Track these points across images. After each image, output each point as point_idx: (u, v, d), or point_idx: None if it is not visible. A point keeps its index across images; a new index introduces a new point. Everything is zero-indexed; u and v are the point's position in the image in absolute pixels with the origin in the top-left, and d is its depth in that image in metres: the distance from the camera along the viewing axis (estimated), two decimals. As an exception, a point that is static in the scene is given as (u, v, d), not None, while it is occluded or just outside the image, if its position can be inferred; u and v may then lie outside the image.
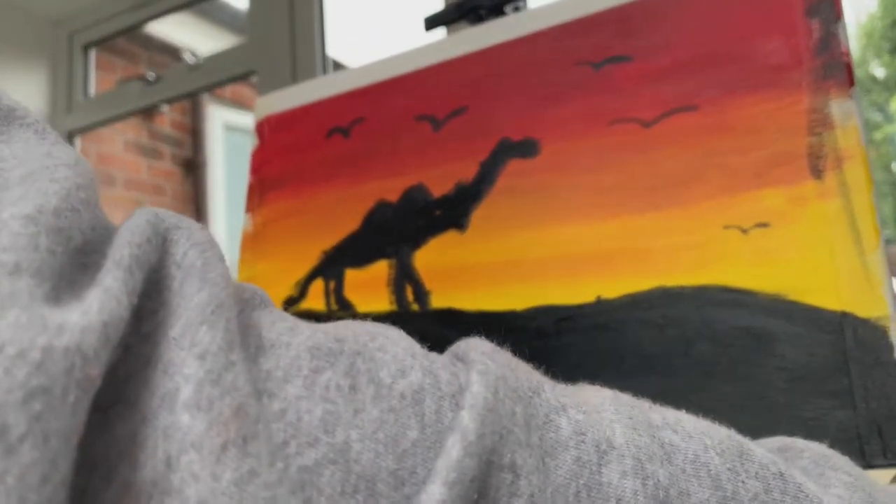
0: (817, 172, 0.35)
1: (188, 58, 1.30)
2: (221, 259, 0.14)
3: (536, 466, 0.14)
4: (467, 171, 0.46)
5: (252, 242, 0.55)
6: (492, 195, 0.45)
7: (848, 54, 0.36)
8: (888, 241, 0.35)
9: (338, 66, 1.44)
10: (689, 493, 0.15)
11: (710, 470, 0.15)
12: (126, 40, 1.95)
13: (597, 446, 0.15)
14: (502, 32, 0.48)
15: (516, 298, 0.42)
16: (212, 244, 0.14)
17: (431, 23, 0.55)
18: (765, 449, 0.17)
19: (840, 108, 0.36)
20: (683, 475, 0.15)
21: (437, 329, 0.44)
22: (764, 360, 0.34)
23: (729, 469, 0.15)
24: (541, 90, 0.45)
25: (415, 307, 0.46)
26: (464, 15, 0.53)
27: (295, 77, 1.11)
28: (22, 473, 0.09)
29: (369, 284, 0.48)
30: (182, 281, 0.13)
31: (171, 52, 2.06)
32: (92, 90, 1.49)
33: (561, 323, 0.40)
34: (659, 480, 0.14)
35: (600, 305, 0.39)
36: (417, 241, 0.47)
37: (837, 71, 0.36)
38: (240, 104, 2.24)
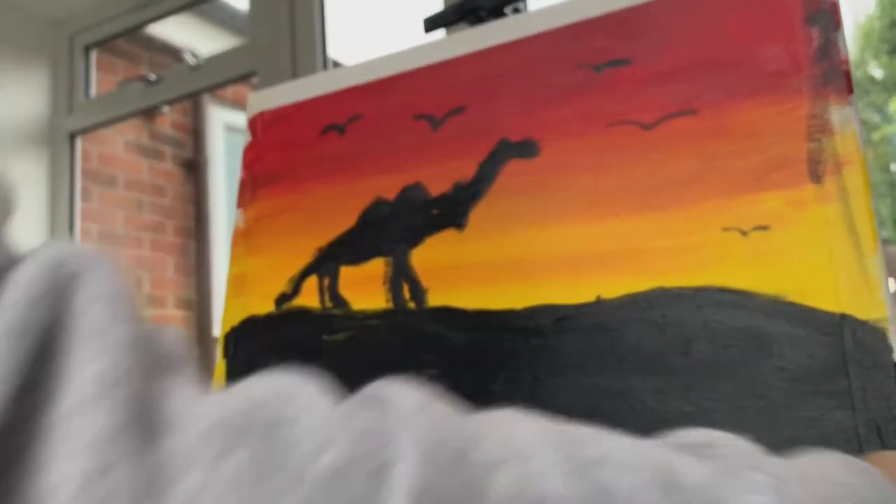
0: (817, 177, 0.36)
1: (189, 59, 1.30)
2: (128, 313, 0.13)
3: None
4: (466, 171, 0.47)
5: (244, 238, 0.55)
6: (491, 194, 0.45)
7: (847, 62, 0.36)
8: (886, 242, 0.35)
9: (338, 66, 1.44)
10: None
11: None
12: (127, 41, 1.96)
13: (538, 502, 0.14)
14: (502, 33, 0.48)
15: (515, 297, 0.42)
16: (118, 295, 0.13)
17: (431, 24, 0.55)
18: (687, 454, 0.17)
19: (839, 114, 0.36)
20: None
21: (433, 327, 0.44)
22: (763, 360, 0.35)
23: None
24: (541, 91, 0.45)
25: (411, 305, 0.46)
26: (463, 16, 0.53)
27: (295, 78, 1.11)
28: None
29: (365, 282, 0.48)
30: (75, 348, 0.11)
31: (171, 53, 2.06)
32: (93, 91, 1.49)
33: (560, 322, 0.40)
34: None
35: (600, 305, 0.39)
36: (415, 239, 0.47)
37: (836, 78, 0.36)
38: (240, 105, 2.25)
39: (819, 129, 0.36)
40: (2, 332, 0.11)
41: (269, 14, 1.19)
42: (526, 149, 0.45)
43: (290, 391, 0.14)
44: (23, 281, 0.12)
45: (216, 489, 0.11)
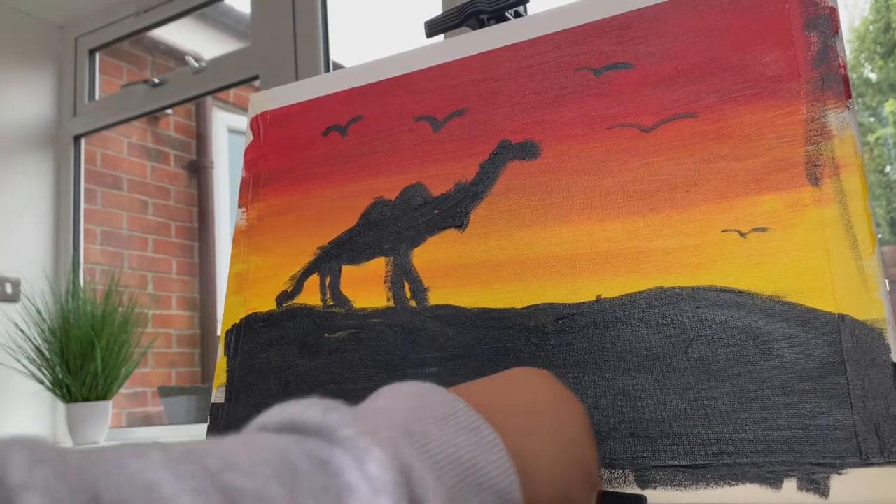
0: (815, 180, 0.36)
1: (192, 62, 1.31)
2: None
3: None
4: (467, 172, 0.47)
5: (245, 236, 0.56)
6: (492, 195, 0.46)
7: (845, 67, 0.37)
8: (882, 243, 0.36)
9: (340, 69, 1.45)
10: None
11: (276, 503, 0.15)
12: (131, 45, 1.97)
13: None
14: (503, 37, 0.49)
15: (516, 297, 0.42)
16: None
17: (432, 28, 0.56)
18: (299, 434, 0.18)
19: (837, 118, 0.36)
20: None
21: (434, 326, 0.45)
22: (761, 359, 0.35)
23: (289, 497, 0.16)
24: (541, 94, 0.46)
25: (412, 304, 0.46)
26: (465, 20, 0.53)
27: (298, 81, 1.12)
28: None
29: (367, 280, 0.49)
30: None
31: (175, 56, 2.07)
32: (97, 94, 1.50)
33: (561, 322, 0.41)
34: None
35: (600, 305, 0.40)
36: (416, 239, 0.48)
37: (835, 83, 0.37)
38: (243, 108, 2.26)
39: (817, 133, 0.37)
40: None
41: (272, 18, 1.19)
42: (527, 150, 0.45)
43: (231, 459, 0.15)
44: None
45: None
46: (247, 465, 0.16)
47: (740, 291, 0.36)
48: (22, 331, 1.23)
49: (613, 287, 0.39)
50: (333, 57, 1.15)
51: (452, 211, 0.47)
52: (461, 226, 0.46)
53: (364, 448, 0.18)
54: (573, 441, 0.28)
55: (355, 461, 0.17)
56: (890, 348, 0.32)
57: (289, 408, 0.20)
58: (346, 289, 0.50)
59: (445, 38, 0.68)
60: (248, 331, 0.52)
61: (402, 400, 0.24)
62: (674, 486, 0.35)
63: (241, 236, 0.56)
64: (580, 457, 0.29)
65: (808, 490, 0.32)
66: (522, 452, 0.25)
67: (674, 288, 0.38)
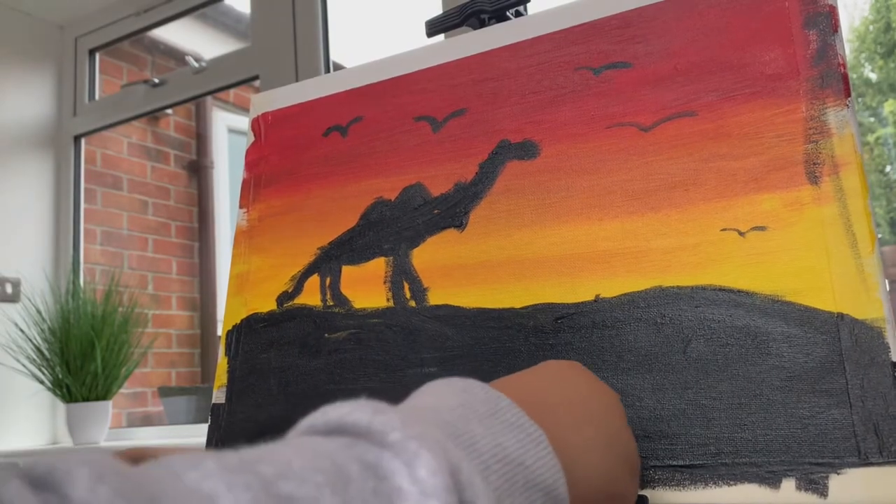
0: (814, 179, 0.36)
1: (192, 62, 1.31)
2: None
3: None
4: (466, 172, 0.47)
5: (246, 237, 0.56)
6: (491, 195, 0.46)
7: (844, 65, 0.37)
8: (882, 242, 0.36)
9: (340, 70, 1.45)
10: None
11: None
12: (131, 45, 1.97)
13: None
14: (503, 37, 0.49)
15: (515, 296, 0.42)
16: None
17: (433, 28, 0.56)
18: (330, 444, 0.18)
19: (836, 116, 0.36)
20: None
21: (434, 325, 0.45)
22: (760, 359, 0.35)
23: (342, 502, 0.16)
24: (541, 94, 0.46)
25: (412, 304, 0.46)
26: (465, 20, 0.53)
27: (298, 81, 1.12)
28: None
29: (366, 281, 0.49)
30: None
31: (175, 56, 2.07)
32: (97, 94, 1.50)
33: (559, 321, 0.41)
34: None
35: (599, 304, 0.40)
36: (416, 239, 0.48)
37: (834, 81, 0.37)
38: (243, 108, 2.26)
39: (816, 131, 0.37)
40: None
41: (272, 18, 1.19)
42: (526, 150, 0.45)
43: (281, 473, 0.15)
44: None
45: None
46: (300, 472, 0.16)
47: (739, 291, 0.36)
48: (22, 331, 1.23)
49: (612, 287, 0.39)
50: (333, 57, 1.15)
51: (452, 211, 0.47)
52: (460, 226, 0.46)
53: (413, 452, 0.18)
54: (614, 432, 0.28)
55: (404, 465, 0.17)
56: (889, 347, 0.32)
57: (336, 409, 0.20)
58: (346, 289, 0.50)
59: (445, 38, 0.68)
60: (248, 331, 0.52)
61: (446, 397, 0.23)
62: (672, 485, 0.35)
63: (242, 237, 0.56)
64: (622, 448, 0.28)
65: (806, 490, 0.32)
66: (566, 447, 0.25)
67: (672, 287, 0.38)
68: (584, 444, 0.26)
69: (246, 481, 0.15)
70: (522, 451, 0.22)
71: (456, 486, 0.18)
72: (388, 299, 0.47)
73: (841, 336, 0.33)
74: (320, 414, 0.20)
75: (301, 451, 0.17)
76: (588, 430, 0.27)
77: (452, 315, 0.44)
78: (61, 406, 1.29)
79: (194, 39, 2.04)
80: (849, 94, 0.36)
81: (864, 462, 0.31)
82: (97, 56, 1.53)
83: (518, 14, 0.53)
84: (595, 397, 0.29)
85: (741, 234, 0.37)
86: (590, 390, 0.30)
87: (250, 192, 0.57)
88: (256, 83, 1.26)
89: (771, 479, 0.33)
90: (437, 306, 0.45)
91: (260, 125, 0.59)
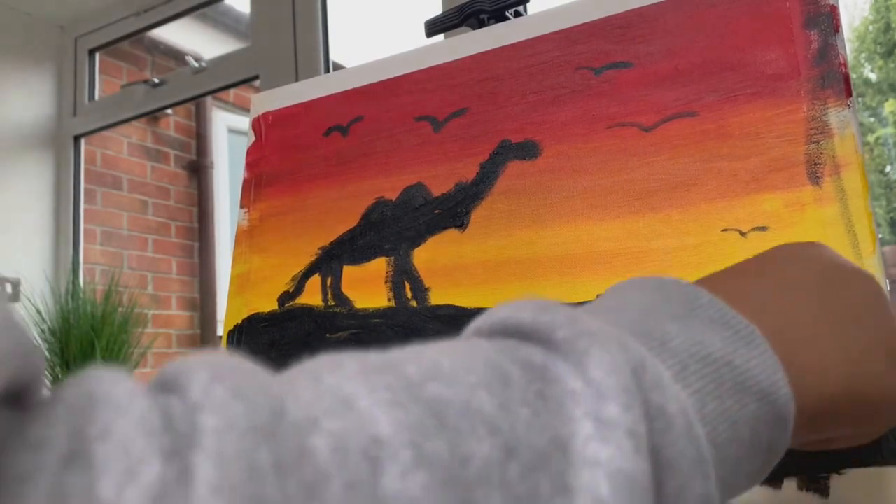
0: (815, 179, 0.36)
1: (192, 62, 1.31)
2: None
3: None
4: (467, 172, 0.47)
5: (247, 237, 0.56)
6: (492, 195, 0.46)
7: (846, 65, 0.37)
8: (882, 243, 0.36)
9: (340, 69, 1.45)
10: (471, 457, 0.13)
11: (484, 415, 0.14)
12: (131, 45, 1.97)
13: (365, 454, 0.12)
14: (503, 37, 0.49)
15: (516, 297, 0.42)
16: None
17: (432, 28, 0.56)
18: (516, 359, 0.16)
19: (838, 116, 0.36)
20: (461, 437, 0.13)
21: (435, 325, 0.45)
22: (761, 359, 0.35)
23: (500, 406, 0.14)
24: (541, 94, 0.46)
25: (413, 304, 0.46)
26: (465, 20, 0.53)
27: (298, 81, 1.12)
28: None
29: (367, 281, 0.49)
30: None
31: (175, 56, 2.07)
32: (97, 94, 1.50)
33: (561, 322, 0.41)
34: (443, 458, 0.13)
35: (600, 305, 0.40)
36: (417, 239, 0.48)
37: (835, 81, 0.37)
38: (243, 108, 2.26)
39: (818, 131, 0.37)
40: None
41: (272, 18, 1.19)
42: (527, 150, 0.45)
43: (101, 395, 0.12)
44: None
45: None
46: (450, 372, 0.14)
47: (740, 291, 0.36)
48: (22, 331, 1.23)
49: (614, 287, 0.39)
50: (333, 57, 1.15)
51: (453, 211, 0.47)
52: (462, 226, 0.46)
53: (583, 350, 0.15)
54: (858, 320, 0.22)
55: (574, 366, 0.15)
56: (890, 348, 0.32)
57: (499, 311, 0.17)
58: (347, 289, 0.50)
59: (445, 37, 0.68)
60: (249, 331, 0.52)
61: (632, 297, 0.20)
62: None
63: (243, 237, 0.56)
64: (871, 337, 0.22)
65: (808, 490, 0.32)
66: (788, 345, 0.20)
67: (674, 287, 0.38)
68: (813, 338, 0.21)
69: (388, 382, 0.14)
70: (729, 351, 0.18)
71: (639, 385, 0.15)
72: (389, 299, 0.47)
73: (842, 336, 0.33)
74: (485, 317, 0.18)
75: (454, 351, 0.15)
76: (821, 323, 0.21)
77: (454, 315, 0.44)
78: (61, 406, 1.29)
79: (194, 39, 2.04)
80: (850, 95, 0.36)
81: (866, 462, 0.31)
82: (97, 56, 1.53)
83: (517, 14, 0.53)
84: (833, 280, 0.23)
85: (742, 234, 0.37)
86: (820, 272, 0.23)
87: (251, 191, 0.57)
88: (256, 83, 1.26)
89: (773, 479, 0.33)
90: (439, 306, 0.45)
91: (260, 125, 0.59)
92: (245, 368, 0.14)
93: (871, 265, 0.34)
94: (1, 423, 0.11)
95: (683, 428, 0.16)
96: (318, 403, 0.13)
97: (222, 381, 0.13)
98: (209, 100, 2.19)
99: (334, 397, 0.13)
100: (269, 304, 0.52)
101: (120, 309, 1.23)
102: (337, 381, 0.14)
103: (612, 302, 0.20)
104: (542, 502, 0.13)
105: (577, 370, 0.15)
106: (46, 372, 1.20)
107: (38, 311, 1.22)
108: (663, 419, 0.15)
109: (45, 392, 0.13)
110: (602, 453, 0.14)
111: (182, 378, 0.13)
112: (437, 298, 0.45)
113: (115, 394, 0.12)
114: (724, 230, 0.38)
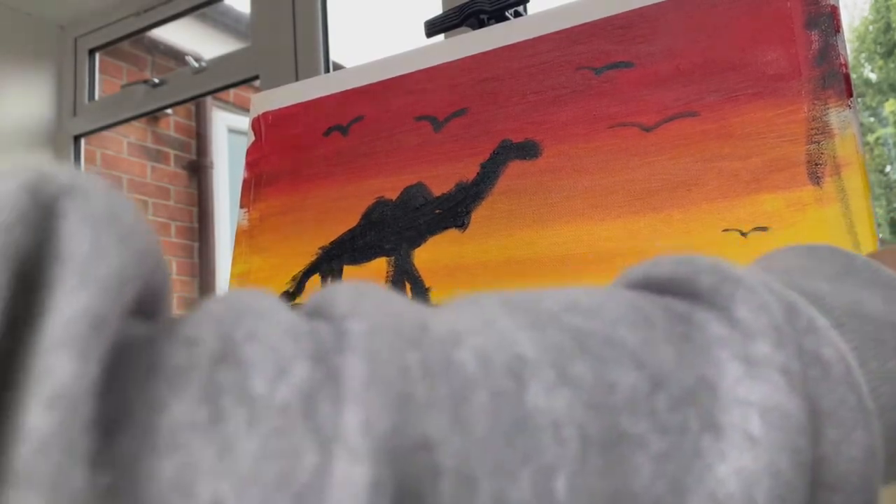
0: (816, 179, 0.36)
1: (192, 62, 1.31)
2: (124, 241, 0.11)
3: (450, 427, 0.11)
4: (468, 172, 0.47)
5: (247, 237, 0.56)
6: (493, 195, 0.46)
7: (846, 65, 0.37)
8: (882, 242, 0.36)
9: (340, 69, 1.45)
10: (616, 384, 0.13)
11: (627, 348, 0.13)
12: (131, 45, 1.97)
13: (509, 369, 0.12)
14: (503, 37, 0.49)
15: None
16: (113, 218, 0.11)
17: (432, 28, 0.56)
18: (656, 304, 0.15)
19: (838, 117, 0.36)
20: (604, 364, 0.13)
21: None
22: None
23: (643, 341, 0.13)
24: (542, 93, 0.46)
25: (416, 305, 0.46)
26: (465, 20, 0.53)
27: (298, 81, 1.12)
28: None
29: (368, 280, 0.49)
30: (60, 279, 0.10)
31: (175, 56, 2.07)
32: (97, 94, 1.50)
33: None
34: (587, 380, 0.12)
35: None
36: (417, 239, 0.48)
37: (836, 81, 0.37)
38: (242, 108, 2.26)
39: (818, 132, 0.37)
40: None
41: (272, 18, 1.19)
42: (527, 150, 0.45)
43: (241, 306, 0.12)
44: (2, 195, 0.10)
45: (157, 449, 0.10)
46: (590, 308, 0.14)
47: (741, 291, 0.36)
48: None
49: (614, 287, 0.39)
50: (333, 57, 1.15)
51: (453, 211, 0.47)
52: (462, 226, 0.46)
53: (728, 295, 0.14)
54: None
55: (719, 311, 0.14)
56: (892, 348, 0.32)
57: (638, 268, 0.17)
58: (346, 289, 0.50)
59: (445, 37, 0.68)
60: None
61: (781, 259, 0.19)
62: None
63: (243, 237, 0.56)
64: None
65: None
66: None
67: (675, 288, 0.38)
68: None
69: (526, 310, 0.13)
70: (892, 310, 0.17)
71: (792, 324, 0.14)
72: (389, 300, 0.47)
73: (843, 336, 0.33)
74: (621, 277, 0.17)
75: (592, 293, 0.15)
76: None
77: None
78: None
79: (194, 39, 2.04)
80: (850, 95, 0.36)
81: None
82: (97, 56, 1.53)
83: (517, 14, 0.53)
84: None
85: (743, 234, 0.37)
86: None
87: (251, 191, 0.57)
88: (256, 83, 1.25)
89: None
90: (439, 307, 0.45)
91: (260, 125, 0.59)
92: (386, 292, 0.14)
93: (873, 265, 0.34)
94: (145, 326, 0.12)
95: (842, 374, 0.14)
96: (459, 323, 0.13)
97: (367, 297, 0.13)
98: (209, 100, 2.19)
99: (475, 319, 0.13)
100: (269, 305, 0.52)
101: (120, 309, 1.22)
102: (477, 308, 0.14)
103: (759, 265, 0.19)
104: (691, 437, 0.13)
105: (723, 315, 0.14)
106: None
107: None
108: (818, 366, 0.14)
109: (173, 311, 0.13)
110: (753, 392, 0.13)
111: (327, 299, 0.13)
112: (437, 298, 0.45)
113: (259, 305, 0.12)
114: (725, 230, 0.38)
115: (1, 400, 0.09)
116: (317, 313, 0.13)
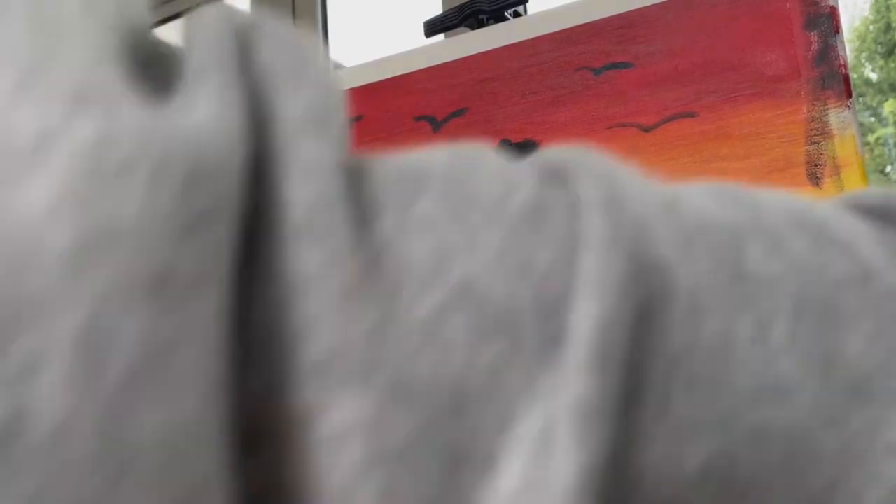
0: (816, 179, 0.36)
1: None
2: (313, 59, 0.11)
3: (682, 258, 0.11)
4: (469, 174, 0.47)
5: None
6: (493, 198, 0.46)
7: (846, 66, 0.37)
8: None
9: (340, 69, 1.45)
10: (828, 264, 0.12)
11: (840, 240, 0.13)
12: (131, 45, 1.97)
13: (727, 229, 0.12)
14: (503, 37, 0.49)
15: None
16: (298, 45, 0.12)
17: (432, 27, 0.56)
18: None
19: (838, 117, 0.36)
20: (820, 249, 0.13)
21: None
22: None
23: (852, 233, 0.13)
24: (541, 94, 0.46)
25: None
26: (464, 20, 0.53)
27: (298, 81, 1.12)
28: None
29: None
30: (274, 87, 0.11)
31: (175, 56, 2.07)
32: (96, 93, 1.50)
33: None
34: (800, 253, 0.12)
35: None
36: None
37: (835, 82, 0.37)
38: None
39: (818, 132, 0.37)
40: (209, 66, 0.10)
41: (271, 18, 1.19)
42: (526, 150, 0.45)
43: (460, 151, 0.13)
44: (200, 25, 0.11)
45: (412, 230, 0.11)
46: (798, 208, 0.14)
47: (740, 292, 0.36)
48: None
49: (613, 287, 0.39)
50: (333, 57, 1.15)
51: (452, 211, 0.47)
52: (460, 226, 0.46)
53: None
54: None
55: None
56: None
57: (847, 197, 0.16)
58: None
59: (445, 37, 0.68)
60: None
61: None
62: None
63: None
64: None
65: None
66: None
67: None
68: None
69: (734, 195, 0.13)
70: None
71: None
72: (387, 300, 0.47)
73: (842, 337, 0.33)
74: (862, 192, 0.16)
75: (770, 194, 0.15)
76: None
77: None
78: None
79: (194, 39, 2.04)
80: (850, 95, 0.36)
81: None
82: (96, 56, 1.53)
83: (516, 14, 0.53)
84: None
85: (742, 235, 0.37)
86: None
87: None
88: (256, 83, 1.26)
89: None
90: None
91: (259, 125, 0.59)
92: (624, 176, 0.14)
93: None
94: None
95: None
96: (683, 195, 0.13)
97: (609, 184, 0.13)
98: (209, 100, 2.19)
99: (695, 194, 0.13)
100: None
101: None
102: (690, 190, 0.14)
103: None
104: None
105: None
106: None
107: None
108: None
109: None
110: None
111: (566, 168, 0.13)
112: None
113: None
114: (724, 231, 0.38)
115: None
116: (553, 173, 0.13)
